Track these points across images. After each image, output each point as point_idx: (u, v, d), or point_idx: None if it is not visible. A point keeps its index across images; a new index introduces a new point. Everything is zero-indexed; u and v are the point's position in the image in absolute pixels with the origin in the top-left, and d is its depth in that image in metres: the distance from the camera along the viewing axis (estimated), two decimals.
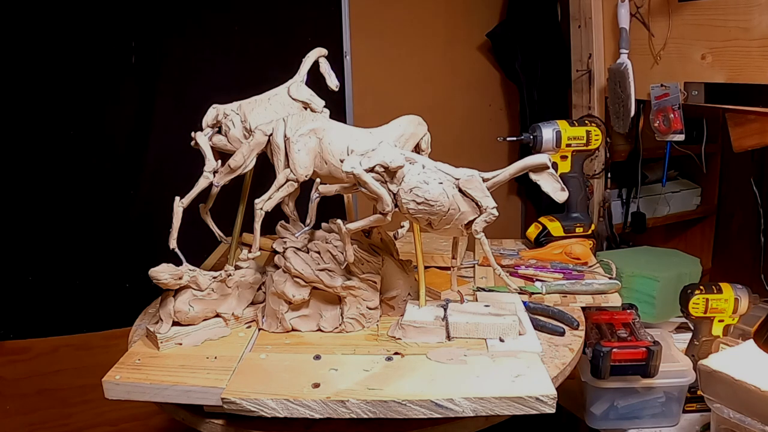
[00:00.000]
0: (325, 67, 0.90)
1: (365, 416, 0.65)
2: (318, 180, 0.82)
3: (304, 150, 0.79)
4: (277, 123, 0.81)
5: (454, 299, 0.84)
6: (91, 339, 1.46)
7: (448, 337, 0.78)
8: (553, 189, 0.71)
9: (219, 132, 0.85)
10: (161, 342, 0.77)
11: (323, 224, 0.88)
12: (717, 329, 1.07)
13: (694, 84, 1.29)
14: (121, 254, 1.49)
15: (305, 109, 0.88)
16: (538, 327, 0.83)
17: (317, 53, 0.90)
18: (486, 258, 0.81)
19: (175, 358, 0.76)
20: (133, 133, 1.49)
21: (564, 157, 1.21)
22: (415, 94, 2.00)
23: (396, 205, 0.73)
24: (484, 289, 0.96)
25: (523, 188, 2.25)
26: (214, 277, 0.82)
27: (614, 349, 0.92)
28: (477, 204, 0.72)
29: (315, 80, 0.90)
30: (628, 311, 1.02)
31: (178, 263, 0.79)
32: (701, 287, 1.06)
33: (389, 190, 0.73)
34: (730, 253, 1.97)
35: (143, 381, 0.71)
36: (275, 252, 0.84)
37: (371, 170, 0.72)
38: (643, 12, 1.39)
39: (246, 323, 0.85)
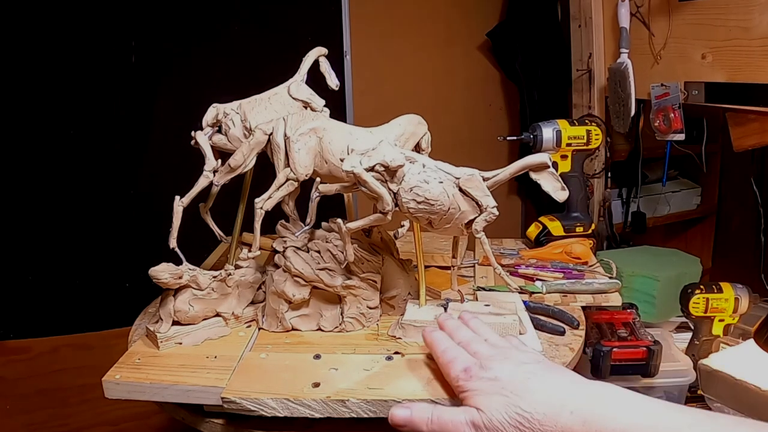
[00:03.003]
0: (325, 67, 0.90)
1: (365, 416, 0.65)
2: (318, 179, 0.82)
3: (304, 149, 0.79)
4: (277, 122, 0.81)
5: (455, 299, 0.84)
6: (91, 339, 1.46)
7: None
8: (553, 188, 0.71)
9: (219, 131, 0.85)
10: (161, 341, 0.77)
11: (323, 223, 0.88)
12: (717, 329, 1.07)
13: (694, 84, 1.29)
14: (121, 254, 1.49)
15: (305, 108, 0.88)
16: (539, 326, 0.83)
17: (317, 53, 0.90)
18: (486, 257, 0.81)
19: (175, 357, 0.76)
20: (133, 133, 1.49)
21: (564, 157, 1.21)
22: (415, 93, 2.00)
23: (396, 205, 0.73)
24: (484, 289, 0.96)
25: (523, 188, 2.26)
26: (214, 277, 0.82)
27: (614, 349, 0.92)
28: (477, 203, 0.71)
29: (315, 80, 0.90)
30: (629, 311, 1.02)
31: (178, 263, 0.79)
32: (701, 287, 1.06)
33: (389, 189, 0.72)
34: (730, 253, 1.98)
35: (143, 381, 0.70)
36: (275, 251, 0.84)
37: (371, 169, 0.72)
38: (643, 12, 1.40)
39: (246, 323, 0.85)
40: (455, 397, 0.60)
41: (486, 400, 0.52)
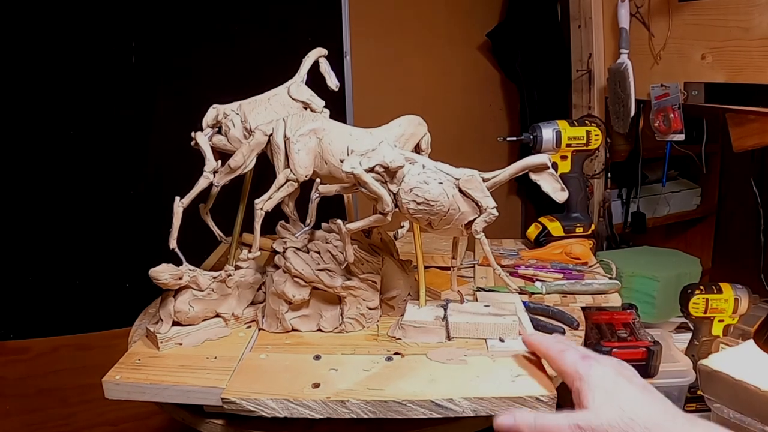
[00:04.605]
0: (325, 67, 0.90)
1: (365, 416, 0.65)
2: (318, 180, 0.82)
3: (304, 150, 0.79)
4: (277, 123, 0.81)
5: (454, 299, 0.84)
6: (91, 339, 1.46)
7: (448, 337, 0.78)
8: (553, 189, 0.71)
9: (219, 132, 0.85)
10: (161, 342, 0.77)
11: (323, 224, 0.88)
12: (717, 329, 1.07)
13: (694, 84, 1.29)
14: (121, 254, 1.49)
15: (305, 109, 0.88)
16: (538, 327, 0.83)
17: (317, 53, 0.90)
18: (486, 258, 0.81)
19: (175, 358, 0.76)
20: (133, 133, 1.49)
21: (564, 157, 1.21)
22: (415, 94, 2.00)
23: (396, 205, 0.73)
24: (484, 289, 0.96)
25: (523, 188, 2.26)
26: (214, 277, 0.82)
27: (614, 349, 0.92)
28: (477, 204, 0.72)
29: (315, 80, 0.90)
30: (628, 311, 1.01)
31: (178, 263, 0.79)
32: (701, 287, 1.06)
33: (389, 190, 0.72)
34: (730, 253, 1.98)
35: (143, 381, 0.71)
36: (275, 252, 0.84)
37: (371, 170, 0.72)
38: (643, 12, 1.40)
39: (246, 323, 0.85)
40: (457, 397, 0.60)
41: (599, 397, 0.53)
